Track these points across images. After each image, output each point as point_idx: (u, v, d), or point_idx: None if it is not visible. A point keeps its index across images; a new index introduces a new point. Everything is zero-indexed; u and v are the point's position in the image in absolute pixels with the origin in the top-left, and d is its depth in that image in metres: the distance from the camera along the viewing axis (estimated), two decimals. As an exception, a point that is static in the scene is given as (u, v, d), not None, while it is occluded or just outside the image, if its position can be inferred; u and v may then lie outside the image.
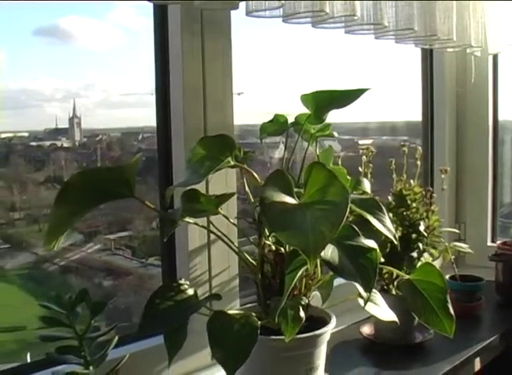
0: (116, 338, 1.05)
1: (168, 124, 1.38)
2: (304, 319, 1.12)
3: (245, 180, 1.24)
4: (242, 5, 1.28)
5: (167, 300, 1.08)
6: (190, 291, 1.12)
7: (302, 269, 1.07)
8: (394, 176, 1.61)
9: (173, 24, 1.35)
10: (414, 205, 1.56)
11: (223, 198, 1.14)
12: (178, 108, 1.35)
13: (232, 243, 1.23)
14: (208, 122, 1.37)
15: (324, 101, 1.24)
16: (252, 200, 1.22)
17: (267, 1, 1.28)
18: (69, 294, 1.05)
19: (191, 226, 1.33)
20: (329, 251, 1.04)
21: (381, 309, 1.27)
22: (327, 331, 1.23)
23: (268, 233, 1.20)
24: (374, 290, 1.29)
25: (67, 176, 5.56)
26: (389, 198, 1.59)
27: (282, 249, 1.21)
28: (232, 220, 1.22)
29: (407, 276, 1.37)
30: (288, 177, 1.06)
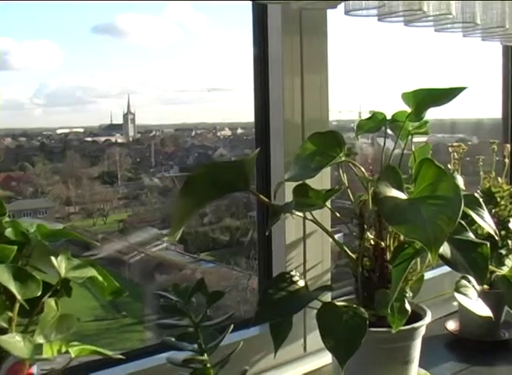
0: (232, 327, 1.08)
1: (266, 120, 1.41)
2: (410, 311, 1.15)
3: (344, 175, 1.27)
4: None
5: (280, 290, 1.12)
6: (301, 283, 1.16)
7: (412, 263, 1.10)
8: (481, 173, 1.63)
9: (273, 23, 1.38)
10: (502, 202, 1.57)
11: (331, 192, 1.18)
12: (277, 105, 1.39)
13: (333, 237, 1.26)
14: (306, 118, 1.40)
15: (424, 99, 1.26)
16: (351, 195, 1.26)
17: (367, 1, 1.31)
18: (185, 284, 1.09)
19: (289, 220, 1.37)
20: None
21: (476, 304, 1.29)
22: (423, 325, 1.25)
23: (367, 227, 1.23)
24: (468, 285, 1.32)
25: (121, 171, 5.61)
26: (476, 195, 1.60)
27: (382, 243, 1.24)
28: (338, 215, 1.25)
29: (503, 272, 1.38)
30: (399, 173, 1.09)
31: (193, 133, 6.99)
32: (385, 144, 1.31)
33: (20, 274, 0.78)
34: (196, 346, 1.09)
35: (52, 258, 0.84)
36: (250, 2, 1.40)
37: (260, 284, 1.50)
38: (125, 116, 6.59)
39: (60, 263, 0.85)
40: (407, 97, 1.26)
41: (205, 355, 1.08)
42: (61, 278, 0.85)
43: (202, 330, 1.08)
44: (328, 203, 1.23)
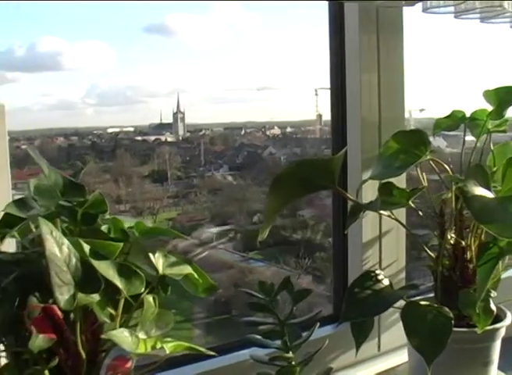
0: (318, 325, 1.08)
1: (343, 118, 1.41)
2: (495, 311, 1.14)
3: (422, 174, 1.26)
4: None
5: (366, 289, 1.12)
6: (386, 281, 1.16)
7: (499, 262, 1.08)
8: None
9: (350, 22, 1.38)
10: None
11: (415, 191, 1.17)
12: (354, 103, 1.39)
13: (414, 236, 1.26)
14: (383, 116, 1.39)
15: (506, 97, 1.25)
16: (429, 195, 1.25)
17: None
18: (270, 282, 1.09)
19: (365, 219, 1.37)
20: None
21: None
22: (504, 326, 1.23)
23: (448, 227, 1.22)
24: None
25: (171, 170, 5.64)
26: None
27: (462, 242, 1.22)
28: (421, 213, 1.24)
29: None
30: (487, 171, 1.08)
31: (243, 131, 7.03)
32: (464, 142, 1.29)
33: (124, 270, 0.78)
34: (280, 343, 1.09)
35: (150, 255, 0.85)
36: (326, 2, 1.40)
37: (335, 283, 1.49)
38: (175, 115, 6.66)
39: (157, 260, 0.86)
40: (489, 95, 1.25)
41: (290, 352, 1.08)
42: (158, 275, 0.85)
43: (289, 327, 1.09)
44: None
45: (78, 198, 0.82)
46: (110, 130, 6.71)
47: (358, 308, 1.10)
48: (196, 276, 0.90)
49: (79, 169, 0.93)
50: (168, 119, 6.36)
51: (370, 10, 1.36)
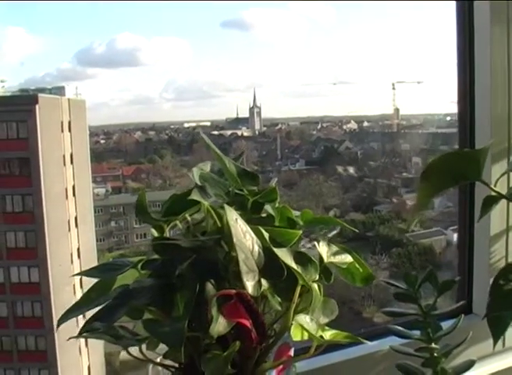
0: (462, 317, 1.08)
1: (472, 113, 1.40)
2: None
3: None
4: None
5: (510, 281, 1.10)
6: (530, 274, 1.14)
7: None
8: None
9: (480, 16, 1.37)
10: None
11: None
12: (484, 99, 1.37)
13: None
14: (512, 112, 1.38)
15: None
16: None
17: None
18: (415, 273, 1.10)
19: (494, 212, 1.35)
20: None
21: None
22: None
23: None
24: None
25: (247, 164, 5.77)
26: None
27: None
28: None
29: None
30: None
31: (319, 126, 7.03)
32: None
33: (300, 258, 0.80)
34: (420, 334, 1.09)
35: (315, 243, 0.87)
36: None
37: (461, 275, 1.48)
38: (251, 110, 6.69)
39: (322, 249, 0.87)
40: None
41: (433, 344, 1.08)
42: (324, 263, 0.87)
43: (431, 319, 1.09)
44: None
45: (252, 187, 0.84)
46: (187, 125, 6.82)
47: (503, 301, 1.08)
48: (357, 265, 0.90)
49: (238, 156, 0.95)
50: (245, 114, 6.42)
51: (501, 6, 1.35)
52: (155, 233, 0.89)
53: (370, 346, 1.24)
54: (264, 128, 6.44)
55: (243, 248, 0.74)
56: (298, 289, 0.80)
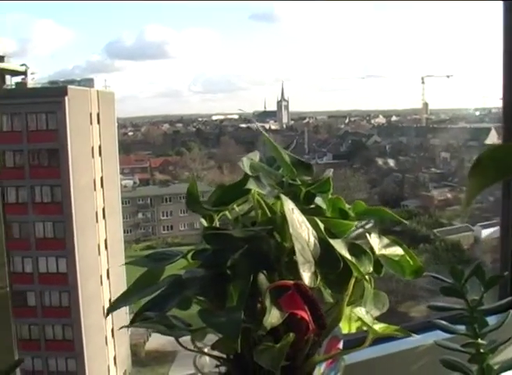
0: (511, 312, 1.06)
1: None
2: None
3: None
4: None
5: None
6: None
7: None
8: None
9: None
10: None
11: None
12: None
13: None
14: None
15: None
16: None
17: None
18: (460, 267, 1.08)
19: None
20: None
21: None
22: None
23: None
24: None
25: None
26: None
27: None
28: None
29: None
30: None
31: (347, 120, 7.00)
32: None
33: (355, 250, 0.79)
34: (466, 330, 1.08)
35: (367, 234, 0.86)
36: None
37: (501, 268, 1.46)
38: (279, 103, 6.67)
39: (374, 241, 0.86)
40: None
41: (479, 339, 1.07)
42: (376, 256, 0.85)
43: (478, 314, 1.07)
44: None
45: (306, 177, 0.83)
46: (215, 118, 6.82)
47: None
48: (407, 258, 0.89)
49: (286, 146, 0.94)
50: (272, 107, 6.41)
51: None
52: (205, 223, 0.88)
53: (413, 340, 1.23)
54: (292, 122, 6.43)
55: (300, 239, 0.74)
56: (352, 281, 0.79)
